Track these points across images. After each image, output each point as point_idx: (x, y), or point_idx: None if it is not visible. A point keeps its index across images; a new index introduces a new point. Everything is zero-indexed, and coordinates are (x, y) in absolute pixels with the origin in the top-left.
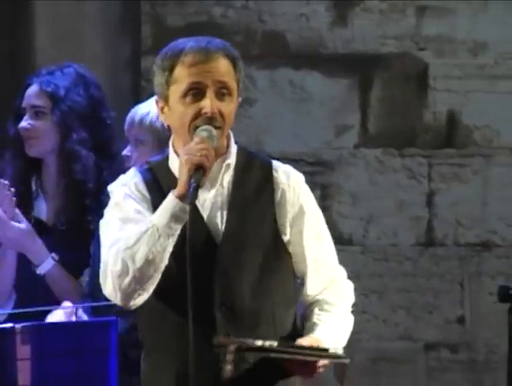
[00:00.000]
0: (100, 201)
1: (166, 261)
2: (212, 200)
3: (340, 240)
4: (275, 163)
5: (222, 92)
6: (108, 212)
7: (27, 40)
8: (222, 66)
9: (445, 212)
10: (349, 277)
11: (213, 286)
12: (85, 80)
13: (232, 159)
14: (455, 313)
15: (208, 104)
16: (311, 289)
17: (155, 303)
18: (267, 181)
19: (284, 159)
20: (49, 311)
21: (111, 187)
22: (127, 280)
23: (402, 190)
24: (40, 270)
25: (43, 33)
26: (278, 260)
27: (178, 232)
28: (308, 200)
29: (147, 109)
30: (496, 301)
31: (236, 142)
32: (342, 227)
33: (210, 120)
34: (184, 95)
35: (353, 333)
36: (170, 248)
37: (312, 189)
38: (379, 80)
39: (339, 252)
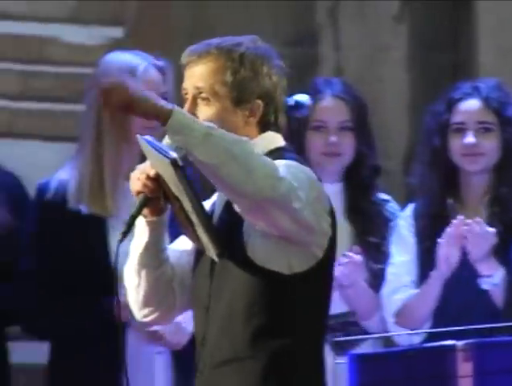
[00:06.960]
0: None
1: (151, 277)
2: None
3: None
4: None
5: (200, 97)
6: None
7: (470, 52)
8: (199, 70)
9: None
10: None
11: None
12: None
13: None
14: None
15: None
16: None
17: None
18: None
19: None
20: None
21: None
22: (133, 294)
23: None
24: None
25: (487, 46)
26: None
27: (142, 250)
28: None
29: None
30: None
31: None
32: None
33: None
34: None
35: None
36: (143, 262)
37: None
38: None
39: None
